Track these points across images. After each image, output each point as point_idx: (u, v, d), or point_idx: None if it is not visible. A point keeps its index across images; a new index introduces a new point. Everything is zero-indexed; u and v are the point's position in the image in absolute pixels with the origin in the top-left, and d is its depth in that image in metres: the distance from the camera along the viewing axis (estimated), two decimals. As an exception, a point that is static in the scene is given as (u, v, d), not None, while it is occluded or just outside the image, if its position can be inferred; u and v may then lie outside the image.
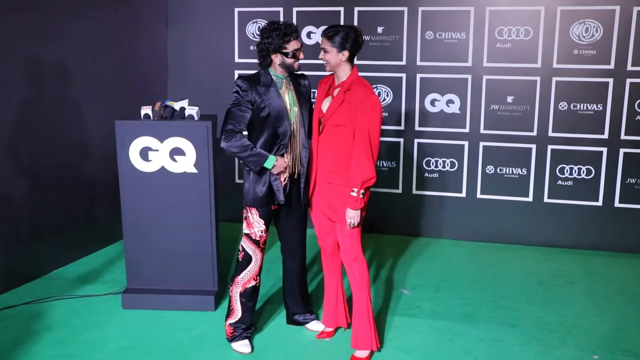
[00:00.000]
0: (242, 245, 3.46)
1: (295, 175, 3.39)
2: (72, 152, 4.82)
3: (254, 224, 3.40)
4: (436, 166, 5.59)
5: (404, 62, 5.52)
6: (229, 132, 3.22)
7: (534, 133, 5.34)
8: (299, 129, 3.34)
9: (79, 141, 4.88)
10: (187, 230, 3.97)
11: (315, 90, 3.44)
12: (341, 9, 5.56)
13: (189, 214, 3.95)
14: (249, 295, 3.49)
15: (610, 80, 5.13)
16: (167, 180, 3.92)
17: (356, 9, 5.54)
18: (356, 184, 3.12)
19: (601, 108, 5.18)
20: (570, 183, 5.34)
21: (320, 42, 3.36)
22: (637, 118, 5.13)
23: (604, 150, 5.23)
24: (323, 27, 3.44)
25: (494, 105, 5.39)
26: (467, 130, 5.47)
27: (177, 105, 4.03)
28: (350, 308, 3.61)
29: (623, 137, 5.17)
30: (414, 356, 3.42)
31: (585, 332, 3.76)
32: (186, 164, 3.90)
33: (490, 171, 5.49)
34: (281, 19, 5.60)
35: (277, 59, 3.26)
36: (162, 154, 3.89)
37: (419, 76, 5.50)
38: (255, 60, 3.40)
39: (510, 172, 5.45)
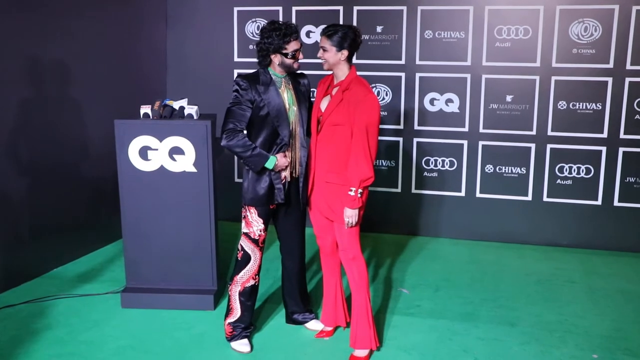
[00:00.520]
0: (241, 245, 3.46)
1: (294, 174, 3.39)
2: (72, 151, 4.82)
3: (253, 223, 3.40)
4: (435, 165, 5.59)
5: (403, 61, 5.52)
6: (230, 131, 3.21)
7: (533, 132, 5.34)
8: (297, 128, 3.34)
9: (79, 140, 4.89)
10: (186, 229, 3.97)
11: (315, 90, 3.44)
12: (340, 8, 5.56)
13: (188, 213, 3.95)
14: (248, 295, 3.49)
15: (610, 80, 5.13)
16: (167, 179, 3.92)
17: (355, 8, 5.54)
18: (354, 183, 3.11)
19: (600, 107, 5.18)
20: (569, 182, 5.34)
21: (319, 41, 3.35)
22: (636, 117, 5.13)
23: (603, 149, 5.23)
24: (322, 26, 3.44)
25: (493, 105, 5.39)
26: (466, 129, 5.47)
27: (176, 105, 4.03)
28: (350, 307, 3.61)
29: (622, 136, 5.17)
30: (414, 355, 3.42)
31: (584, 331, 3.75)
32: (185, 163, 3.90)
33: (489, 170, 5.49)
34: (280, 18, 5.60)
35: (276, 59, 3.26)
36: (161, 153, 3.89)
37: (418, 75, 5.50)
38: (255, 60, 3.39)
39: (510, 171, 5.45)
